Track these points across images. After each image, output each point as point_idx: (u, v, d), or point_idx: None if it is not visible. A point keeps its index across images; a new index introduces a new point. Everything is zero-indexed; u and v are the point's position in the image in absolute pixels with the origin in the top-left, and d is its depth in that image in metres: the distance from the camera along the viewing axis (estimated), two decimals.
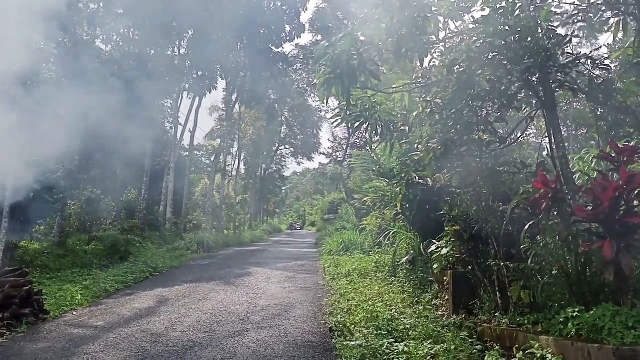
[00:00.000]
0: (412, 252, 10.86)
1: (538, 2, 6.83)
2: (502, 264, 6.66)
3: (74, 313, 9.11)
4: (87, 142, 16.69)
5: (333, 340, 7.11)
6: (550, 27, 6.73)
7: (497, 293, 6.87)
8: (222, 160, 38.09)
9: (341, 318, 8.08)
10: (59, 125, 11.54)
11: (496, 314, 6.66)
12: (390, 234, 13.22)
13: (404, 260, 11.14)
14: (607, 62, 7.73)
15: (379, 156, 13.61)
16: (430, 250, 8.79)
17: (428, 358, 5.95)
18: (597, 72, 6.93)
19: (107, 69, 17.45)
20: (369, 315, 7.85)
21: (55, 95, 11.77)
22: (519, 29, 6.40)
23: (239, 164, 45.78)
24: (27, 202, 12.94)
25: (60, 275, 12.58)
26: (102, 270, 13.94)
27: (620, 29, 7.18)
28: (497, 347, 5.90)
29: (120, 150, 25.07)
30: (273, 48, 34.17)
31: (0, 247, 11.46)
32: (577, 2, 6.86)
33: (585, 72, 6.78)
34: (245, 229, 42.71)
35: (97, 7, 20.24)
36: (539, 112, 7.23)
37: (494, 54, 6.66)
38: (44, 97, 11.57)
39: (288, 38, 34.97)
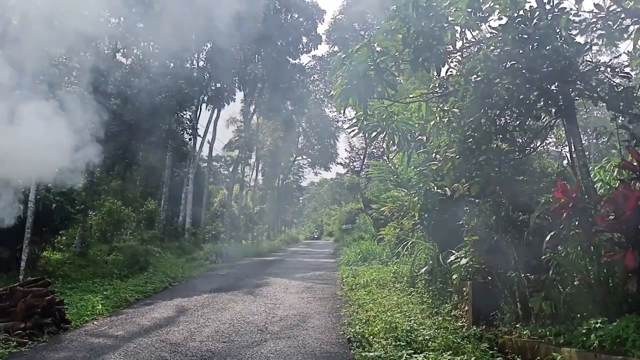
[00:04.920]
0: (430, 262, 10.77)
1: (556, 10, 6.78)
2: (523, 274, 6.58)
3: (95, 322, 9.21)
4: (108, 153, 16.94)
5: (351, 351, 7.07)
6: (569, 35, 6.69)
7: (518, 304, 6.79)
8: (240, 171, 38.43)
9: (359, 329, 8.04)
10: (79, 137, 11.75)
11: (517, 325, 6.58)
12: (409, 244, 13.14)
13: (422, 270, 11.05)
14: (627, 69, 7.64)
15: (397, 166, 13.60)
16: (449, 260, 8.72)
17: None
18: (617, 80, 6.84)
19: (127, 81, 17.74)
20: (388, 326, 7.78)
21: (76, 107, 11.99)
22: (538, 37, 6.37)
23: (256, 174, 46.16)
24: (49, 213, 13.17)
25: (81, 285, 12.71)
26: (122, 280, 14.06)
27: None
28: (518, 359, 5.82)
29: (140, 161, 25.40)
30: (290, 59, 34.46)
31: (23, 257, 11.64)
32: (595, 10, 6.80)
33: (605, 80, 6.71)
34: (263, 239, 42.88)
35: (118, 21, 20.63)
36: (558, 120, 7.16)
37: (512, 62, 6.63)
38: (65, 110, 11.79)
39: (305, 49, 35.31)
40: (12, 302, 8.16)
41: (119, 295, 11.62)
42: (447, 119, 7.45)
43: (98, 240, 19.88)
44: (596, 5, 6.81)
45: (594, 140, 26.58)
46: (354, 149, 57.27)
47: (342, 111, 8.30)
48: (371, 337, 7.48)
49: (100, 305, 10.23)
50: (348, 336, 7.85)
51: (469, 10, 7.25)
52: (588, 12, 6.97)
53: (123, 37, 20.65)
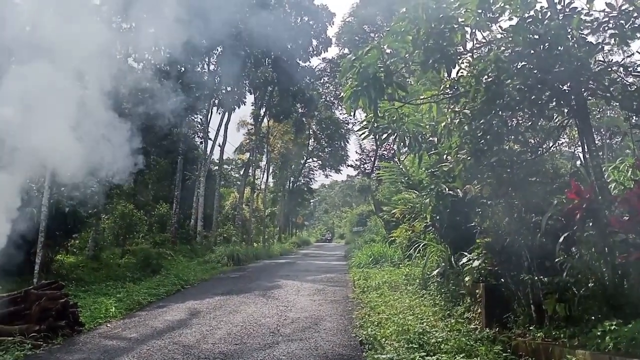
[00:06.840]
0: (442, 264, 10.72)
1: (567, 10, 6.73)
2: (536, 276, 6.52)
3: (108, 325, 9.29)
4: (120, 157, 17.02)
5: (364, 353, 7.07)
6: (580, 35, 6.63)
7: (532, 306, 6.73)
8: (251, 174, 38.53)
9: (371, 331, 8.03)
10: (92, 141, 11.84)
11: (531, 328, 6.52)
12: (420, 246, 13.08)
13: (434, 272, 10.99)
14: None
15: (408, 168, 13.56)
16: (461, 262, 8.66)
17: None
18: (630, 79, 6.78)
19: (139, 86, 17.85)
20: (400, 329, 7.77)
21: (88, 112, 12.09)
22: (549, 38, 6.32)
23: (267, 177, 46.18)
24: (63, 216, 13.29)
25: (94, 288, 12.84)
26: (135, 283, 14.18)
27: None
28: None
29: (152, 165, 25.53)
30: (300, 62, 34.52)
31: (37, 260, 11.77)
32: (607, 9, 6.73)
33: (618, 80, 6.64)
34: (274, 242, 42.96)
35: (130, 26, 20.80)
36: (571, 120, 7.10)
37: (523, 63, 6.58)
38: (77, 114, 11.89)
39: (315, 52, 35.30)
40: (26, 305, 8.26)
41: (132, 298, 11.72)
42: (458, 120, 7.41)
43: (111, 244, 20.05)
44: (608, 5, 6.73)
45: (608, 140, 26.32)
46: (365, 151, 57.19)
47: (352, 113, 8.29)
48: (383, 339, 7.47)
49: (113, 308, 10.32)
50: (360, 338, 7.85)
51: (479, 11, 7.20)
52: (600, 11, 6.88)
53: (135, 42, 20.80)
